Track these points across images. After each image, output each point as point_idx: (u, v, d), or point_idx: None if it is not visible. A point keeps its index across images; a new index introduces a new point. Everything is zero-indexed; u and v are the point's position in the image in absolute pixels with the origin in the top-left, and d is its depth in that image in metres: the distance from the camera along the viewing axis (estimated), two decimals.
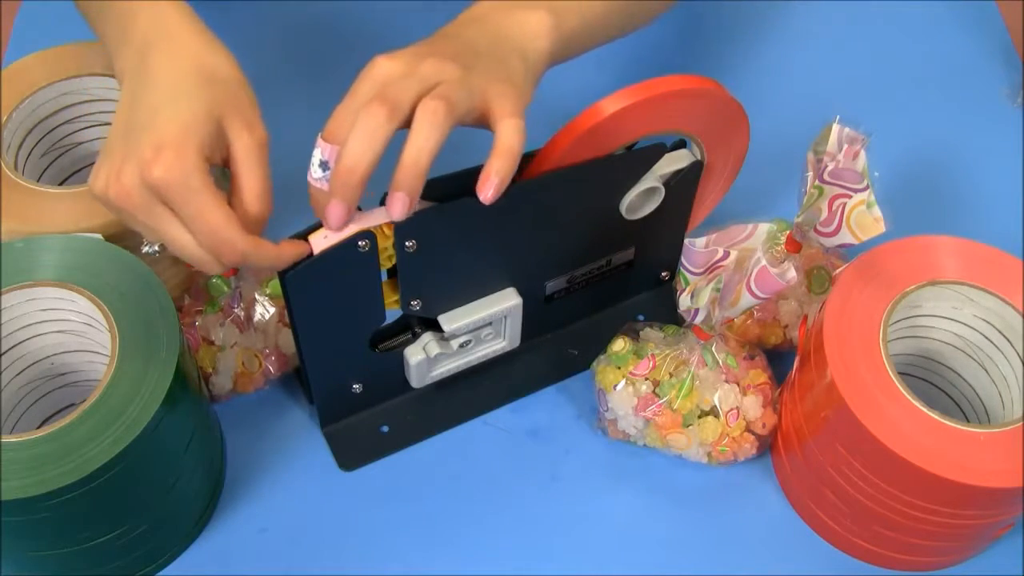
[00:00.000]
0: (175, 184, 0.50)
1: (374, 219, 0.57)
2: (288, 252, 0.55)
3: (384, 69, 0.53)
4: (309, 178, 0.54)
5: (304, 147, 0.82)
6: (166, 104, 0.52)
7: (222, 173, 0.55)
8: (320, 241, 0.57)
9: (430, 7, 0.88)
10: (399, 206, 0.52)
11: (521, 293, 0.66)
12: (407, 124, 0.52)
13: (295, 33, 0.93)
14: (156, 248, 0.65)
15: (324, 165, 0.53)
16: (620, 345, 0.68)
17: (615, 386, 0.66)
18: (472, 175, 0.59)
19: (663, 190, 0.66)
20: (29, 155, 0.71)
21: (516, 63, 0.57)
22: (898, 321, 0.64)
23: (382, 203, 0.58)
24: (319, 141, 0.53)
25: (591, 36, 0.64)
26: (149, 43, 0.54)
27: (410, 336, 0.66)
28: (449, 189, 0.59)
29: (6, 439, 0.54)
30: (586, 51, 0.64)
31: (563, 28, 0.60)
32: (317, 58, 0.91)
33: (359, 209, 0.58)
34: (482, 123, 0.55)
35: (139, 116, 0.52)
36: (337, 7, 0.94)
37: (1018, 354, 0.63)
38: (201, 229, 0.51)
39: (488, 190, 0.53)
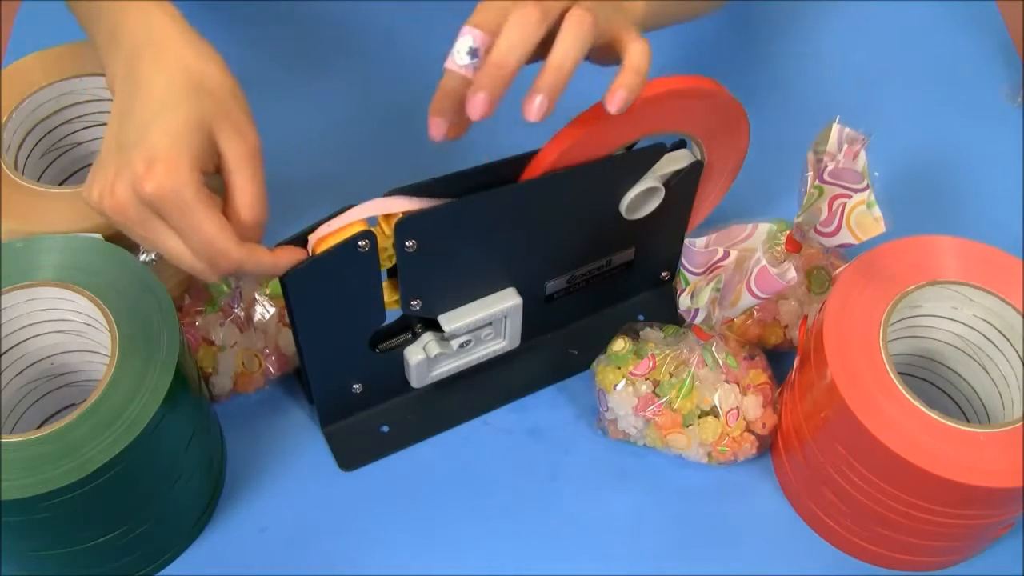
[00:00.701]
0: (168, 199, 0.50)
1: (390, 208, 0.57)
2: (284, 259, 0.55)
3: None
4: (449, 64, 0.53)
5: (299, 148, 0.83)
6: (156, 116, 0.51)
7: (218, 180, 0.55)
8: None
9: (421, 7, 0.88)
10: (536, 109, 0.52)
11: (521, 293, 0.66)
12: (553, 33, 0.53)
13: (288, 34, 0.93)
14: (153, 256, 0.65)
15: (474, 52, 0.53)
16: (620, 345, 0.68)
17: (615, 386, 0.66)
18: (474, 175, 0.59)
19: (663, 190, 0.66)
20: (29, 155, 0.71)
21: (627, 15, 0.59)
22: (898, 321, 0.64)
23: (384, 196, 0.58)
24: (468, 29, 0.53)
25: (670, 16, 0.67)
26: (138, 49, 0.54)
27: (410, 336, 0.66)
28: (450, 189, 0.59)
29: (6, 439, 0.54)
30: (657, 29, 0.66)
31: (653, 5, 0.62)
32: (310, 60, 0.91)
33: (356, 206, 0.58)
34: (606, 52, 0.56)
35: (130, 128, 0.52)
36: (333, 7, 0.94)
37: (1018, 354, 0.63)
38: (195, 241, 0.51)
39: (616, 102, 0.54)
